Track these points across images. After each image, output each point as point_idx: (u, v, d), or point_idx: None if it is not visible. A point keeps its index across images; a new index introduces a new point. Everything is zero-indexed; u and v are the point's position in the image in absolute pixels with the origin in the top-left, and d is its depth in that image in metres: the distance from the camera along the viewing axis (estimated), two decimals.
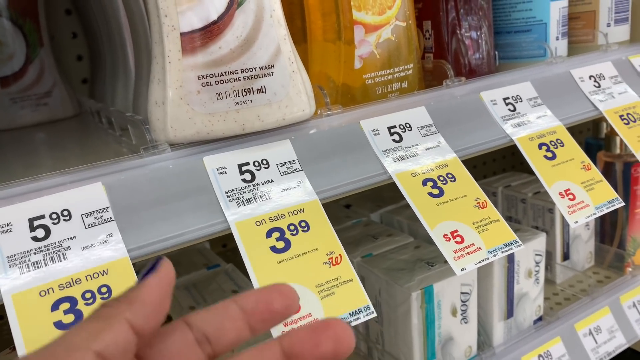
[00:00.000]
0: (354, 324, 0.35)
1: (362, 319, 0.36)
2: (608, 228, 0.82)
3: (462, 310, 0.59)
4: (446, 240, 0.40)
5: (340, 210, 0.83)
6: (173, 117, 0.38)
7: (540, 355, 0.65)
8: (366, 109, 0.46)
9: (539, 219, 0.79)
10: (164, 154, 0.38)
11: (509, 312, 0.65)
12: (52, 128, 0.73)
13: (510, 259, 0.62)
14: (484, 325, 0.65)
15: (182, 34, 0.37)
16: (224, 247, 0.92)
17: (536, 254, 0.65)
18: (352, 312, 0.36)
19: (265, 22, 0.39)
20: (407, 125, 0.46)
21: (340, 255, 0.38)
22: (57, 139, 0.66)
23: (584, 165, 0.49)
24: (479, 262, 0.40)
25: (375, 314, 0.36)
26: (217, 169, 0.39)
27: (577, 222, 0.45)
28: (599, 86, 0.57)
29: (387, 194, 0.88)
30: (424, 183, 0.43)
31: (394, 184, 0.43)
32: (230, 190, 0.38)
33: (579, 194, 0.47)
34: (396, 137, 0.45)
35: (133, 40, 0.53)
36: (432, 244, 0.63)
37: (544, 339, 0.65)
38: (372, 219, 0.79)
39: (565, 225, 0.77)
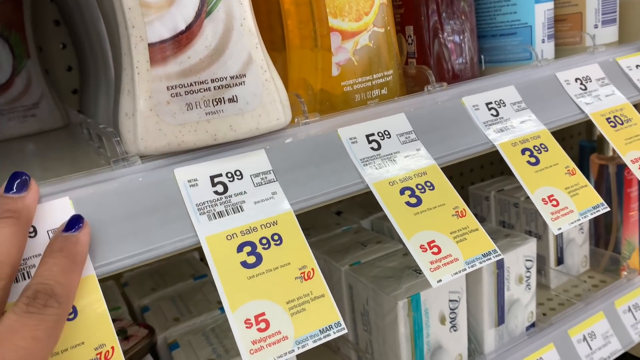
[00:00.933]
0: (323, 341, 0.34)
1: (333, 335, 0.35)
2: (602, 231, 0.81)
3: (451, 318, 0.59)
4: (423, 251, 0.39)
5: (330, 217, 0.82)
6: (143, 128, 0.37)
7: None
8: (344, 117, 0.46)
9: (532, 223, 0.78)
10: (134, 167, 0.38)
11: (500, 319, 0.64)
12: (41, 139, 0.73)
13: (500, 265, 0.61)
14: (474, 333, 0.64)
15: (150, 45, 0.36)
16: None
17: (526, 260, 0.64)
18: (323, 329, 0.35)
19: (236, 31, 0.38)
20: (386, 133, 0.45)
21: (312, 269, 0.37)
22: (44, 150, 0.66)
23: (569, 170, 0.49)
24: (455, 274, 0.39)
25: (346, 331, 0.35)
26: (189, 181, 0.38)
27: (560, 228, 0.44)
28: (585, 89, 0.56)
29: None
30: (402, 192, 0.42)
31: None
32: (201, 203, 0.38)
33: (563, 199, 0.46)
34: (374, 145, 0.44)
35: (112, 49, 0.52)
36: None
37: (536, 346, 0.64)
38: (362, 226, 0.78)
39: None
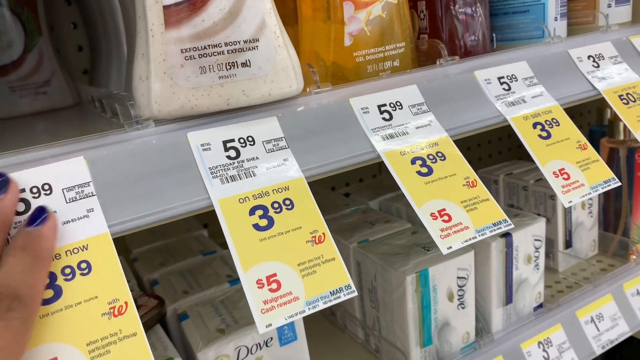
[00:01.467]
0: (333, 302, 0.35)
1: (343, 298, 0.35)
2: (612, 217, 0.80)
3: (459, 295, 0.59)
4: (433, 218, 0.39)
5: (339, 198, 0.82)
6: (157, 92, 0.37)
7: (540, 342, 0.64)
8: (356, 87, 0.46)
9: (541, 206, 0.77)
10: (147, 129, 0.38)
11: (508, 298, 0.64)
12: (51, 116, 0.73)
13: (509, 243, 0.61)
14: (482, 312, 0.64)
15: (164, 7, 0.37)
16: None
17: (535, 239, 0.64)
18: (333, 291, 0.35)
19: None
20: (398, 104, 0.45)
21: (323, 233, 0.37)
22: (55, 126, 0.66)
23: (580, 145, 0.48)
24: (466, 241, 0.39)
25: (356, 293, 0.35)
26: (202, 145, 0.38)
27: (571, 201, 0.44)
28: (598, 66, 0.55)
29: (387, 182, 0.87)
30: (413, 161, 0.42)
31: None
32: (214, 166, 0.38)
33: (574, 173, 0.46)
34: (386, 115, 0.44)
35: (124, 22, 0.53)
36: None
37: (544, 326, 0.64)
38: (370, 207, 0.78)
39: (567, 212, 0.76)
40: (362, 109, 0.44)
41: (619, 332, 0.68)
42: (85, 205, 0.34)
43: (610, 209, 0.80)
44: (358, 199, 0.81)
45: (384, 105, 0.45)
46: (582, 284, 0.73)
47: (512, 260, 0.62)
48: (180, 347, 0.54)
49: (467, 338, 0.61)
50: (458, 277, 0.58)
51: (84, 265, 0.33)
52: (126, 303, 0.32)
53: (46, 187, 0.34)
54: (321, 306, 0.35)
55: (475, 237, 0.39)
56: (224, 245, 0.70)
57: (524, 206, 0.80)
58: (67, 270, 0.32)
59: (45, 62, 0.76)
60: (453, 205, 0.41)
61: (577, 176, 0.46)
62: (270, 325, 0.33)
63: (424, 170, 0.42)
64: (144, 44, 0.37)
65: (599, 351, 0.66)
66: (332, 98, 0.44)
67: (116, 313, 0.32)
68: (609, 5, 0.63)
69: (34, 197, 0.33)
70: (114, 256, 0.33)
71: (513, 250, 0.62)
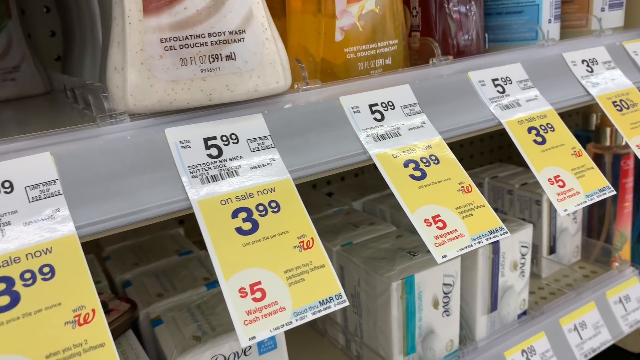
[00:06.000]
0: (323, 313, 0.32)
1: (333, 308, 0.33)
2: (595, 222, 0.80)
3: (444, 302, 0.57)
4: (427, 225, 0.37)
5: (322, 198, 0.80)
6: (133, 83, 0.34)
7: (523, 351, 0.62)
8: (347, 85, 0.43)
9: (526, 211, 0.76)
10: (122, 124, 0.35)
11: (493, 306, 0.62)
12: (20, 105, 0.69)
13: (496, 250, 0.60)
14: (466, 319, 0.62)
15: None
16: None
17: (522, 246, 0.62)
18: (323, 301, 0.33)
19: None
20: (390, 104, 0.43)
21: (312, 239, 0.35)
22: (23, 114, 0.62)
23: (575, 152, 0.47)
24: (461, 249, 0.37)
25: (347, 303, 0.33)
26: (180, 142, 0.35)
27: (566, 210, 0.43)
28: (592, 71, 0.54)
29: (370, 182, 0.85)
30: (406, 165, 0.40)
31: (378, 172, 0.40)
32: (194, 165, 0.35)
33: (569, 180, 0.45)
34: (377, 115, 0.42)
35: (100, 6, 0.49)
36: (414, 233, 0.61)
37: (528, 334, 0.63)
38: (354, 208, 0.76)
39: (552, 217, 0.75)
40: (352, 108, 0.42)
41: (601, 340, 0.68)
42: (50, 205, 0.31)
43: (594, 215, 0.80)
44: (341, 199, 0.79)
45: (376, 104, 0.43)
46: (565, 291, 0.72)
47: (499, 266, 0.61)
48: (153, 354, 0.51)
49: (450, 346, 0.59)
50: (444, 284, 0.56)
51: (46, 269, 0.30)
52: (94, 311, 0.29)
53: (7, 184, 0.31)
54: (310, 317, 0.32)
55: (472, 246, 0.38)
56: (201, 245, 0.68)
57: (509, 210, 0.79)
58: (27, 275, 0.29)
59: (14, 46, 0.72)
60: (448, 211, 0.39)
61: (573, 184, 0.45)
62: (254, 337, 0.31)
63: (417, 173, 0.40)
64: (120, 31, 0.34)
65: None
66: (321, 96, 0.42)
67: (82, 322, 0.29)
68: (602, 9, 0.62)
69: None
70: (81, 260, 0.30)
71: (500, 256, 0.60)
